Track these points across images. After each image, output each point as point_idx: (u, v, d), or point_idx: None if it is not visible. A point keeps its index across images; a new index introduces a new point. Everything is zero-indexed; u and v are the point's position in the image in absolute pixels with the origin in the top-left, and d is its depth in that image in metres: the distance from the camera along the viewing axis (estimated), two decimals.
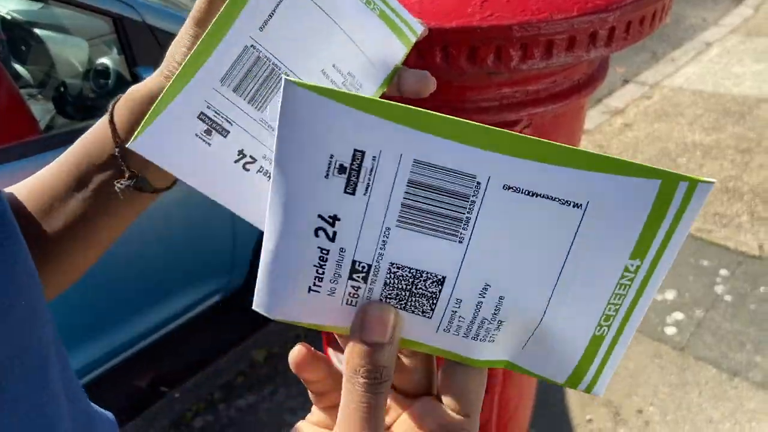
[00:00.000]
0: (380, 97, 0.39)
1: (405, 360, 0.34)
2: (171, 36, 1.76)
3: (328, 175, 0.27)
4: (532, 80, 0.72)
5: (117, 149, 0.42)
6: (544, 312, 0.30)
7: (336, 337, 0.33)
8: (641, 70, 4.32)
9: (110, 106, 0.42)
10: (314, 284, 0.30)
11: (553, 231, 0.28)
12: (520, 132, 0.75)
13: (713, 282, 2.32)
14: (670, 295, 2.27)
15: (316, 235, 0.29)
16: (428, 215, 0.28)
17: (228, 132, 0.38)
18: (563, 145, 0.26)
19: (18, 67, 1.79)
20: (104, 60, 1.74)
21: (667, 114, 3.68)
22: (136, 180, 0.42)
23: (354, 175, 0.27)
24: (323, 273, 0.30)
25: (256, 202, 0.39)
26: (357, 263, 0.29)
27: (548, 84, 0.74)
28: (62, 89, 1.76)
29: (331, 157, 0.27)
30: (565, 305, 0.30)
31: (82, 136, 0.45)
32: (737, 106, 3.67)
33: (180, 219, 1.81)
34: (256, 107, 0.38)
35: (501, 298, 0.30)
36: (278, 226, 0.29)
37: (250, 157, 0.39)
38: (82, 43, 1.83)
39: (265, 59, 0.38)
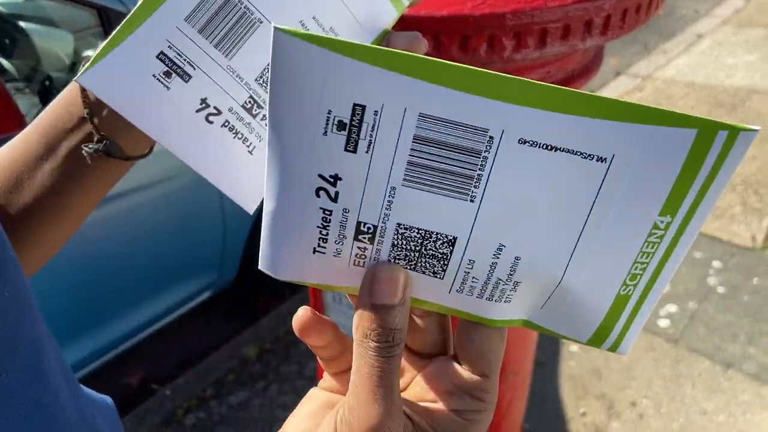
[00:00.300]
0: None
1: (418, 320, 0.32)
2: None
3: (326, 132, 0.25)
4: (525, 71, 0.71)
5: (86, 110, 0.38)
6: (564, 272, 0.28)
7: (348, 298, 0.32)
8: (633, 62, 4.31)
9: (81, 66, 0.37)
10: (319, 245, 0.28)
11: (573, 188, 0.26)
12: None
13: (706, 274, 2.32)
14: None
15: (318, 196, 0.27)
16: (436, 173, 0.26)
17: (190, 77, 0.34)
18: (584, 92, 0.24)
19: (2, 61, 1.76)
20: (89, 53, 1.71)
21: (660, 106, 3.65)
22: (106, 143, 0.39)
23: (355, 132, 0.25)
24: (327, 234, 0.28)
25: (217, 158, 0.36)
26: (362, 224, 0.27)
27: (542, 74, 0.72)
28: (48, 83, 1.72)
29: (329, 112, 0.25)
30: (587, 265, 0.28)
31: (51, 102, 0.41)
32: (729, 98, 3.67)
33: (170, 214, 1.78)
34: (223, 53, 0.35)
35: (517, 258, 0.28)
36: (277, 186, 0.27)
37: (215, 108, 0.35)
38: (68, 36, 1.79)
39: (236, 0, 0.34)
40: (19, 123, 1.77)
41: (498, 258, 0.28)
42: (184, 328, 2.10)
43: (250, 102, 0.36)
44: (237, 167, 0.37)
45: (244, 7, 0.34)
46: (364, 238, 0.28)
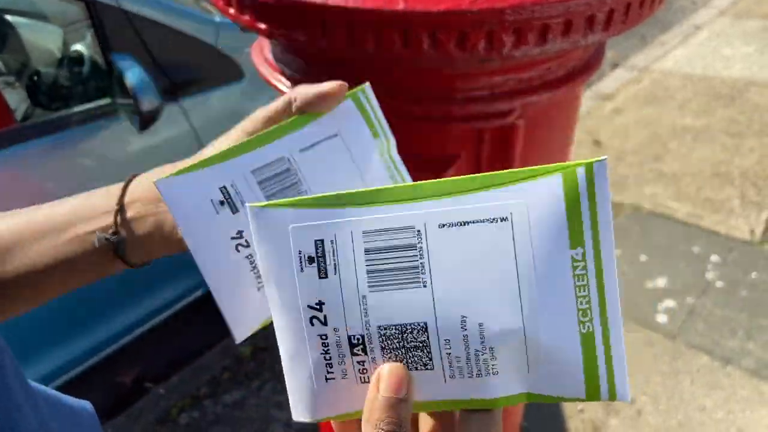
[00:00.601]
0: None
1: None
2: (147, 21, 1.70)
3: (302, 268, 0.32)
4: (525, 67, 0.68)
5: (117, 206, 0.44)
6: (524, 324, 0.31)
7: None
8: (630, 54, 4.28)
9: (131, 175, 0.46)
10: (328, 372, 0.33)
11: (496, 246, 0.31)
12: (514, 122, 0.71)
13: (704, 269, 2.30)
14: (661, 282, 2.25)
15: (312, 324, 0.32)
16: (391, 272, 0.32)
17: (237, 210, 0.42)
18: (467, 176, 0.31)
19: None
20: (78, 47, 1.67)
21: (657, 98, 3.65)
22: (118, 238, 0.43)
23: (321, 261, 0.32)
24: (330, 358, 0.33)
25: (230, 281, 0.42)
26: (352, 337, 0.32)
27: (542, 71, 0.69)
28: (36, 77, 1.69)
29: (300, 252, 0.32)
30: (538, 312, 0.31)
31: (65, 199, 0.46)
32: (727, 90, 3.65)
33: None
34: None
35: (480, 324, 0.32)
36: (283, 329, 0.34)
37: (246, 241, 0.42)
38: (56, 30, 1.76)
39: (294, 172, 0.44)
40: (8, 119, 1.73)
41: (466, 329, 0.32)
42: (178, 326, 2.08)
43: None
44: (242, 296, 0.43)
45: (298, 179, 0.44)
46: (359, 350, 0.33)
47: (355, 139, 0.47)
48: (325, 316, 0.32)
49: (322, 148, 0.46)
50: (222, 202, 0.42)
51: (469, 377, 0.32)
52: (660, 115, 3.46)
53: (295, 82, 0.75)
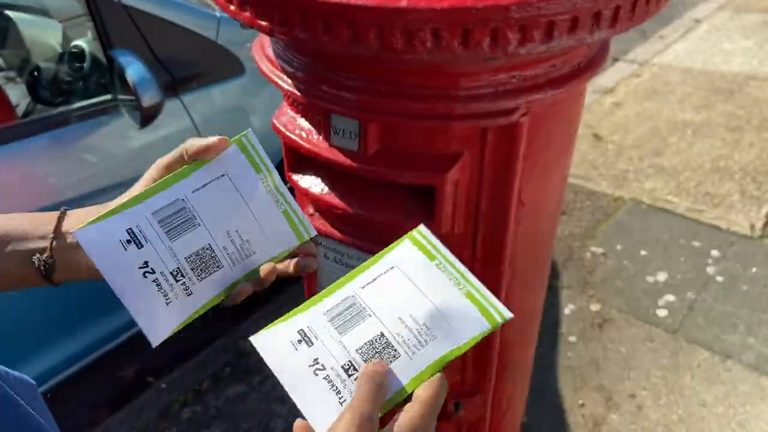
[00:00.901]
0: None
1: None
2: (148, 17, 1.69)
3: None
4: (529, 65, 0.68)
5: (52, 235, 0.56)
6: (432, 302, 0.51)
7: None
8: (630, 48, 4.27)
9: (63, 209, 0.58)
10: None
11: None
12: (519, 120, 0.70)
13: (705, 263, 2.30)
14: (661, 276, 2.25)
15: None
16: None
17: (142, 246, 0.54)
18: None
19: None
20: (79, 42, 1.67)
21: (657, 92, 3.65)
22: (51, 262, 0.55)
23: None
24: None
25: (140, 300, 0.54)
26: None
27: (547, 68, 0.69)
28: (36, 73, 1.68)
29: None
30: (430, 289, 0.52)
31: (12, 215, 0.58)
32: (727, 84, 3.64)
33: None
34: (170, 237, 0.55)
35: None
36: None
37: (151, 269, 0.54)
38: (56, 25, 1.75)
39: (189, 209, 0.56)
40: (10, 114, 1.73)
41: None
42: None
43: (176, 271, 0.55)
44: (154, 311, 0.54)
45: (191, 215, 0.56)
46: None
47: (241, 176, 0.58)
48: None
49: (211, 186, 0.57)
50: (129, 241, 0.53)
51: (423, 347, 0.49)
52: (660, 109, 3.45)
53: (296, 80, 0.75)
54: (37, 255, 0.55)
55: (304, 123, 0.80)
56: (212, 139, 0.57)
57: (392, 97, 0.69)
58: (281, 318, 0.52)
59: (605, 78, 3.86)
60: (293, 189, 0.80)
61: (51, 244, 0.55)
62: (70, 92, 1.67)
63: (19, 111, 1.81)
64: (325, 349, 0.49)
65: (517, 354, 1.09)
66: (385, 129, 0.73)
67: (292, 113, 0.83)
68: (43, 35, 1.73)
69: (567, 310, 2.16)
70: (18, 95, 1.85)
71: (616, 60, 4.10)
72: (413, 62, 0.65)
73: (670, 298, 2.17)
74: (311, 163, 0.82)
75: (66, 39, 1.74)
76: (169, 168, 0.57)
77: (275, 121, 0.83)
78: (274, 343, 0.50)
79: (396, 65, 0.67)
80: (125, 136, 1.66)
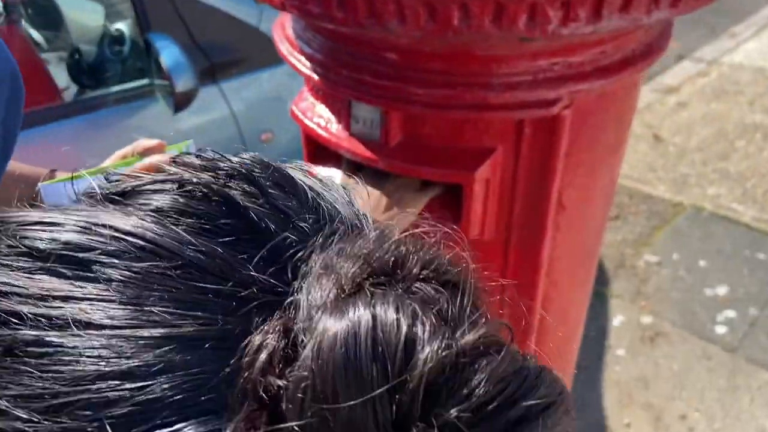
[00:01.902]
0: None
1: None
2: (189, 1, 1.65)
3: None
4: (574, 50, 0.59)
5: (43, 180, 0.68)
6: None
7: None
8: (698, 46, 4.06)
9: (51, 170, 0.72)
10: None
11: None
12: (560, 113, 0.62)
13: None
14: (721, 290, 2.11)
15: None
16: None
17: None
18: None
19: (32, 32, 1.72)
20: (119, 25, 1.65)
21: (726, 93, 3.45)
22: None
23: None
24: None
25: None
26: None
27: (595, 55, 0.60)
28: (76, 55, 1.68)
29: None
30: None
31: (21, 165, 0.70)
32: None
33: None
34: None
35: None
36: None
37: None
38: (98, 7, 1.74)
39: None
40: (55, 96, 1.73)
41: None
42: None
43: None
44: None
45: None
46: None
47: None
48: None
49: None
50: (75, 202, 0.55)
51: None
52: (728, 110, 3.26)
53: (315, 62, 0.68)
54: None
55: (323, 110, 0.74)
56: (154, 142, 0.68)
57: (416, 83, 0.62)
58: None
59: (669, 76, 3.68)
60: None
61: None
62: (109, 75, 1.66)
63: (62, 92, 1.82)
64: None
65: (557, 366, 1.00)
66: (409, 118, 0.66)
67: (312, 99, 0.76)
68: (84, 17, 1.73)
69: (616, 321, 2.04)
70: (62, 78, 1.86)
71: (681, 58, 3.90)
72: (439, 43, 0.58)
73: (730, 313, 2.03)
74: (331, 154, 0.75)
75: (107, 22, 1.73)
76: (124, 158, 0.69)
77: (294, 108, 0.76)
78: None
79: (420, 47, 0.60)
80: (161, 121, 1.64)
